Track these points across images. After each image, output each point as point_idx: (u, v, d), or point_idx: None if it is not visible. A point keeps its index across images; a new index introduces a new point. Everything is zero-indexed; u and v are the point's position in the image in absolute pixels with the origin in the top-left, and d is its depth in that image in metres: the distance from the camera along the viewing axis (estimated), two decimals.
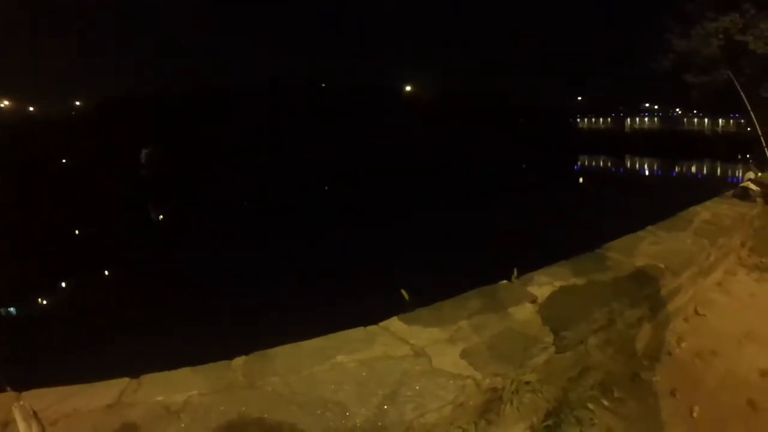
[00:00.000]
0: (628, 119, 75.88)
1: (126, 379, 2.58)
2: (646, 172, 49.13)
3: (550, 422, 2.68)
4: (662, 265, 3.90)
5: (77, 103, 62.92)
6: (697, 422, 2.90)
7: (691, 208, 6.04)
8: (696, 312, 4.27)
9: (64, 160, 49.14)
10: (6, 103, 58.39)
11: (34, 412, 1.82)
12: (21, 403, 1.82)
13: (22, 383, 2.53)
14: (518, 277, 3.56)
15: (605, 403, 2.95)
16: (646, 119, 74.97)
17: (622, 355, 3.30)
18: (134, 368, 2.67)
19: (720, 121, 61.43)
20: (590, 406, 2.89)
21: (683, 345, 3.73)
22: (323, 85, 73.01)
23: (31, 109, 60.58)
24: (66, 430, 2.16)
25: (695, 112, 63.90)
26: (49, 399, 2.35)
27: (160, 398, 2.37)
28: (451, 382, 2.33)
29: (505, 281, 3.52)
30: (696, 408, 2.97)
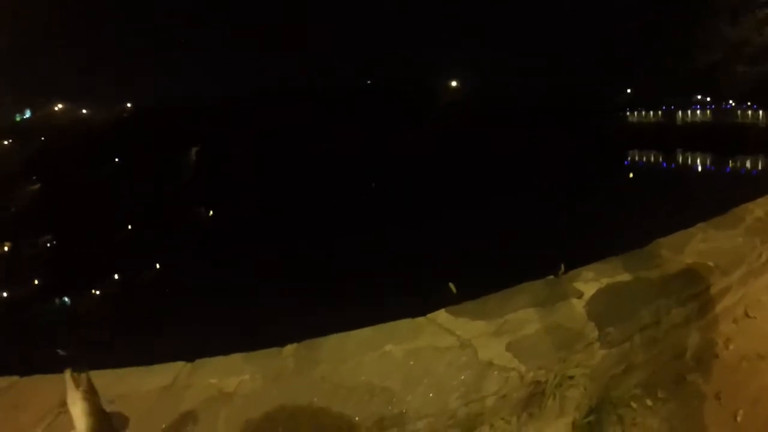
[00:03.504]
0: (680, 112, 72.97)
1: (181, 363, 2.73)
2: (699, 168, 47.16)
3: (591, 418, 2.68)
4: (711, 264, 3.79)
5: (128, 105, 65.08)
6: (741, 427, 2.82)
7: (744, 205, 5.83)
8: (746, 314, 4.13)
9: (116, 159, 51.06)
10: (60, 106, 60.96)
11: (89, 386, 1.85)
12: (76, 373, 1.84)
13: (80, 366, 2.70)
14: (565, 272, 3.53)
15: (648, 402, 2.91)
16: (698, 112, 71.93)
17: (668, 355, 3.24)
18: (188, 354, 2.81)
19: None
20: (633, 404, 2.86)
21: (731, 347, 3.60)
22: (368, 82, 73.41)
23: (84, 111, 62.91)
24: (122, 409, 2.28)
25: (749, 104, 60.83)
26: (106, 379, 2.47)
27: (213, 381, 2.50)
28: (495, 373, 2.37)
29: (551, 276, 3.50)
30: (740, 412, 2.89)
